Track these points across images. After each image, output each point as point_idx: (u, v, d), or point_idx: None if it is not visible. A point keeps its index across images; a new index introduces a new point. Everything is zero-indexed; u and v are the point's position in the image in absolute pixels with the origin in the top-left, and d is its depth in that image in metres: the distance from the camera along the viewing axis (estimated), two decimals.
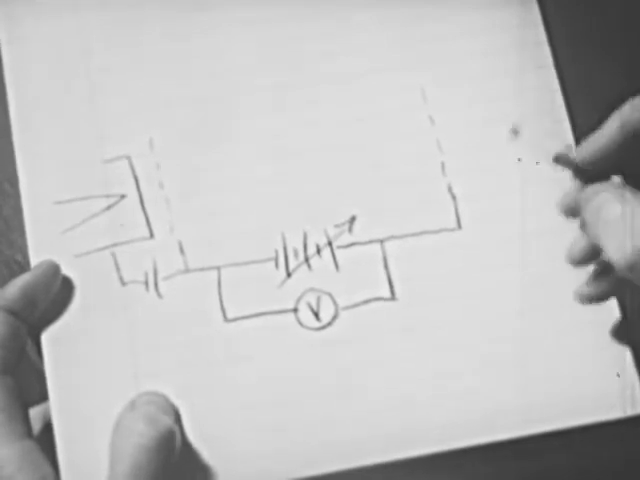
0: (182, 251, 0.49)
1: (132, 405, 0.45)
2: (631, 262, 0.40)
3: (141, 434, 0.43)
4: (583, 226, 0.44)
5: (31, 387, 0.47)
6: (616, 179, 0.44)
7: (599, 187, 0.43)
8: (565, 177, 0.44)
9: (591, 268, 0.46)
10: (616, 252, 0.40)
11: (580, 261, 0.45)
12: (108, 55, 0.51)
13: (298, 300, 0.48)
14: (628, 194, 0.41)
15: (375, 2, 0.52)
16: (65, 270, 0.48)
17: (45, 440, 0.47)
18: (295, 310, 0.48)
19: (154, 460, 0.43)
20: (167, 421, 0.44)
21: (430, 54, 0.52)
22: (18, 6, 0.52)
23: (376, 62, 0.52)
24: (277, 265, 0.49)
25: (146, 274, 0.49)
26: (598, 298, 0.46)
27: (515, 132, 0.48)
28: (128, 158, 0.50)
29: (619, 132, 0.43)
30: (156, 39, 0.52)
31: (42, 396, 0.47)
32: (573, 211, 0.44)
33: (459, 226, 0.49)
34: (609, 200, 0.42)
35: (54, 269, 0.48)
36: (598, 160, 0.43)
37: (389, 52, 0.52)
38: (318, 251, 0.49)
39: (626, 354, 0.47)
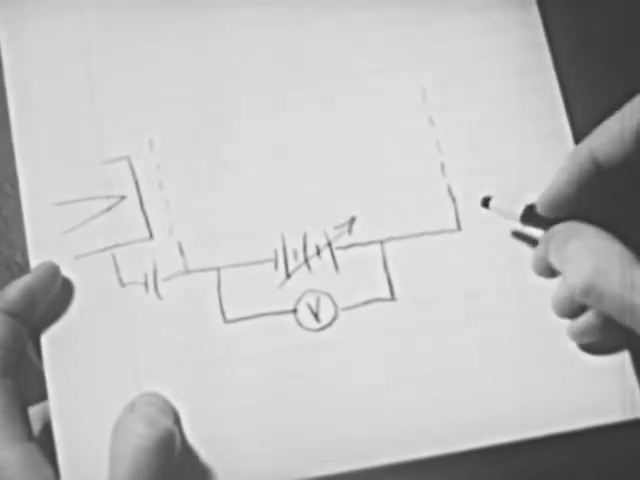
0: (182, 252, 0.49)
1: (132, 406, 0.45)
2: (586, 284, 0.41)
3: (141, 436, 0.43)
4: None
5: (31, 388, 0.47)
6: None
7: (558, 227, 0.45)
8: None
9: None
10: (573, 278, 0.42)
11: (565, 313, 0.46)
12: (108, 55, 0.51)
13: (298, 301, 0.48)
14: (585, 228, 0.43)
15: (375, 3, 0.52)
16: (65, 271, 0.48)
17: (45, 440, 0.47)
18: (295, 311, 0.48)
19: (154, 462, 0.43)
20: (167, 422, 0.44)
21: (430, 55, 0.52)
22: (19, 6, 0.52)
23: (376, 62, 0.52)
24: (277, 266, 0.49)
25: (146, 275, 0.49)
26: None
27: (485, 203, 0.48)
28: (128, 159, 0.50)
29: (572, 174, 0.44)
30: (156, 40, 0.52)
31: (42, 397, 0.47)
32: (546, 270, 0.46)
33: (459, 227, 0.49)
34: (566, 236, 0.44)
35: (54, 270, 0.48)
36: (560, 207, 0.45)
37: (389, 53, 0.52)
38: (318, 252, 0.49)
39: (625, 357, 0.47)
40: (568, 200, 0.44)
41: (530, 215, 0.46)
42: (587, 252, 0.42)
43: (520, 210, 0.47)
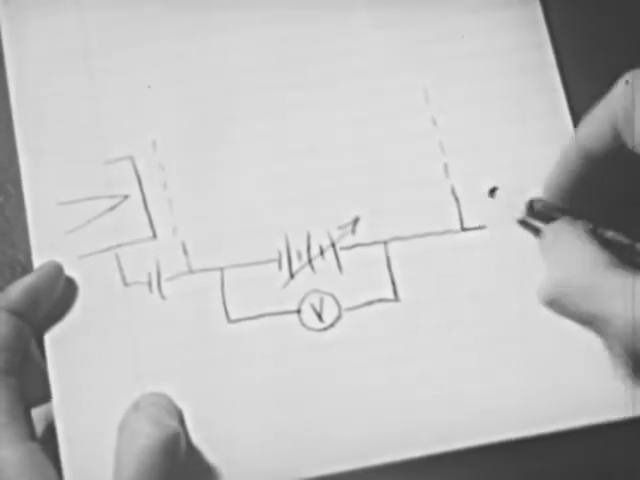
0: (185, 252, 0.49)
1: (136, 407, 0.45)
2: (548, 298, 0.42)
3: (147, 435, 0.43)
4: None
5: (34, 388, 0.47)
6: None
7: (547, 228, 0.45)
8: None
9: None
10: (540, 289, 0.43)
11: None
12: (110, 55, 0.51)
13: (301, 301, 0.48)
14: (567, 233, 0.44)
15: (376, 3, 0.52)
16: (68, 271, 0.48)
17: (47, 441, 0.47)
18: (298, 311, 0.48)
19: (160, 462, 0.43)
20: (172, 422, 0.44)
21: (432, 55, 0.52)
22: (20, 6, 0.52)
23: (378, 63, 0.52)
24: (280, 266, 0.49)
25: (149, 275, 0.49)
26: None
27: (492, 192, 0.49)
28: (131, 158, 0.50)
29: (566, 165, 0.44)
30: (158, 39, 0.52)
31: (45, 397, 0.47)
32: None
33: (462, 228, 0.49)
34: (552, 240, 0.44)
35: (57, 270, 0.48)
36: (559, 196, 0.45)
37: (391, 53, 0.52)
38: (321, 252, 0.49)
39: None
40: (564, 191, 0.45)
41: (532, 209, 0.47)
42: (555, 263, 0.43)
43: (524, 203, 0.47)
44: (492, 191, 0.49)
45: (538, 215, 0.47)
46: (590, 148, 0.43)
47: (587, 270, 0.41)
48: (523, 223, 0.49)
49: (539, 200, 0.47)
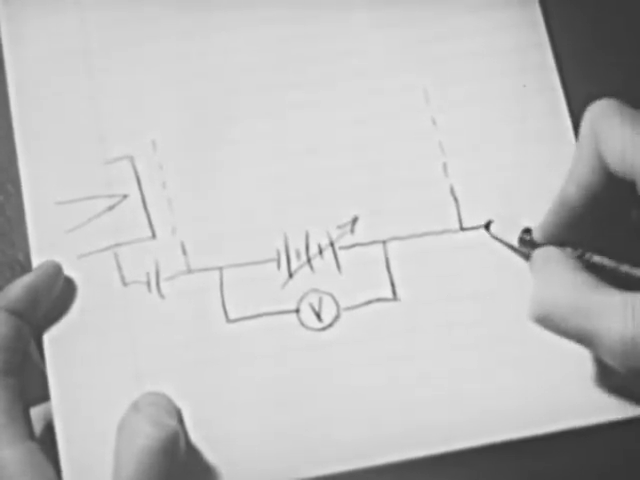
0: (184, 252, 0.49)
1: (135, 407, 0.45)
2: (538, 314, 0.43)
3: (147, 436, 0.43)
4: None
5: (33, 388, 0.47)
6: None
7: (537, 253, 0.46)
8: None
9: None
10: (530, 308, 0.44)
11: None
12: (110, 55, 0.51)
13: (300, 301, 0.48)
14: (556, 257, 0.45)
15: (376, 3, 0.52)
16: (67, 270, 0.48)
17: (46, 441, 0.47)
18: (297, 311, 0.48)
19: (160, 462, 0.43)
20: (171, 422, 0.44)
21: (431, 55, 0.52)
22: (20, 6, 0.52)
23: (378, 63, 0.52)
24: (279, 266, 0.49)
25: (148, 275, 0.49)
26: None
27: (487, 226, 0.49)
28: (130, 158, 0.50)
29: (561, 208, 0.45)
30: (158, 39, 0.52)
31: (44, 397, 0.47)
32: None
33: (461, 228, 0.49)
34: (541, 264, 0.45)
35: (56, 269, 0.48)
36: (553, 236, 0.46)
37: (391, 53, 0.52)
38: (320, 252, 0.49)
39: None
40: (559, 230, 0.45)
41: (525, 240, 0.47)
42: (544, 284, 0.43)
43: (517, 234, 0.48)
44: (487, 225, 0.49)
45: (531, 244, 0.47)
46: (586, 181, 0.43)
47: (576, 288, 0.42)
48: (514, 249, 0.49)
49: (532, 230, 0.47)
